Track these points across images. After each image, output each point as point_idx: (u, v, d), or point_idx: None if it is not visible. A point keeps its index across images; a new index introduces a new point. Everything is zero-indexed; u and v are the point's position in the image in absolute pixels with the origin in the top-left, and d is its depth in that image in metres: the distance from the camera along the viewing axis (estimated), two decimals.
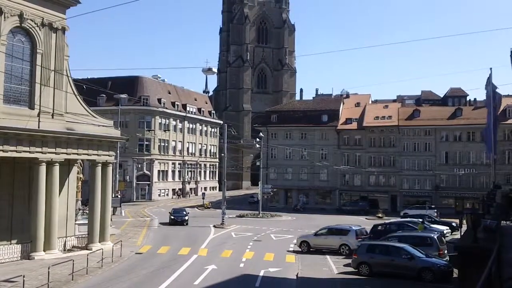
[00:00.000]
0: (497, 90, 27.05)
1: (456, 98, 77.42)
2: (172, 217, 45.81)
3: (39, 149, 26.43)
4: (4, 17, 25.36)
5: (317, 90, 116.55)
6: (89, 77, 66.88)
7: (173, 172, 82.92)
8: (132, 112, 74.51)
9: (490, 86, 26.43)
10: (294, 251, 31.28)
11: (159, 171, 78.65)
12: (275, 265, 25.97)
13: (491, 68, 25.97)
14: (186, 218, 46.16)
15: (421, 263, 22.26)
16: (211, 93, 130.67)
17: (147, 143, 76.06)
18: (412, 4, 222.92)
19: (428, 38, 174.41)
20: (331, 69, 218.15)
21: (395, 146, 66.96)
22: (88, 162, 32.97)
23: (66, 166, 29.59)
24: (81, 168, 36.02)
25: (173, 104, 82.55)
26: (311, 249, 31.05)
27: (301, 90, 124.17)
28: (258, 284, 21.83)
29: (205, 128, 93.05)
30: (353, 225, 33.75)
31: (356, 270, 23.85)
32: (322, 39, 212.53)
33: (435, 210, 55.16)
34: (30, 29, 26.83)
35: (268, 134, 72.96)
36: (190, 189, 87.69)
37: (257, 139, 63.50)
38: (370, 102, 78.27)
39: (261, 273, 23.77)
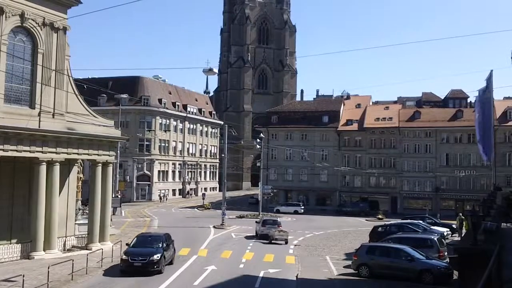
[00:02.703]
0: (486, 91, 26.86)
1: (457, 99, 77.40)
2: (125, 257, 23.05)
3: (39, 149, 26.43)
4: (6, 17, 25.37)
5: (317, 91, 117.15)
6: (90, 77, 66.97)
7: (174, 172, 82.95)
8: (132, 112, 74.55)
9: (491, 88, 26.34)
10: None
11: (159, 171, 78.66)
12: (275, 266, 25.95)
13: (491, 70, 25.89)
14: (157, 257, 23.09)
15: (421, 265, 22.23)
16: (211, 93, 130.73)
17: (147, 143, 76.09)
18: (413, 5, 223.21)
19: (429, 40, 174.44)
20: (332, 70, 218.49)
21: (395, 148, 66.97)
22: (89, 162, 32.95)
23: (67, 165, 29.59)
24: (82, 168, 35.97)
25: (173, 104, 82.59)
26: (257, 235, 38.12)
27: (302, 91, 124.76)
28: (258, 285, 21.78)
29: (205, 129, 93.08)
30: (268, 217, 44.52)
31: (356, 271, 23.82)
32: (323, 40, 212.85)
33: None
34: (31, 28, 26.84)
35: (269, 134, 72.99)
36: (190, 189, 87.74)
37: (258, 140, 63.54)
38: (370, 103, 78.36)
39: (261, 274, 23.74)
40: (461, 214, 39.36)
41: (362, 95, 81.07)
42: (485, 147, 29.06)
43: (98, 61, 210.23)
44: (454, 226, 41.02)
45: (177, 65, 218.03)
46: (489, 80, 26.10)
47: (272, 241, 34.93)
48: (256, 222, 41.65)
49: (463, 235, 35.40)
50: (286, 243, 35.16)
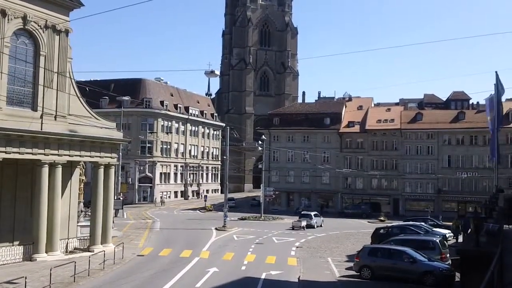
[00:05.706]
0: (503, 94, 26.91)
1: (458, 101, 77.37)
2: None
3: (41, 151, 26.49)
4: (8, 19, 25.47)
5: (319, 93, 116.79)
6: (92, 79, 67.36)
7: (175, 174, 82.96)
8: (134, 114, 74.63)
9: (496, 90, 26.36)
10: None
11: (161, 173, 78.66)
12: (277, 268, 25.95)
13: (496, 72, 25.90)
14: None
15: (423, 267, 22.22)
16: (213, 95, 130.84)
17: (149, 145, 76.14)
18: (414, 7, 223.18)
19: (431, 42, 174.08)
20: (334, 72, 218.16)
21: (397, 150, 66.90)
22: (91, 164, 33.00)
23: (69, 167, 29.64)
24: (84, 170, 36.06)
25: (175, 106, 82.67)
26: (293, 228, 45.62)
27: (304, 93, 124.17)
28: (260, 287, 21.82)
29: (207, 131, 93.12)
30: (305, 212, 51.44)
31: (358, 273, 23.83)
32: (324, 42, 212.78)
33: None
34: (33, 31, 26.93)
35: (271, 136, 72.98)
36: (193, 191, 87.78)
37: (260, 142, 63.58)
38: (372, 105, 78.27)
39: (263, 276, 23.75)
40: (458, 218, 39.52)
41: (363, 97, 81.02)
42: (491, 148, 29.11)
43: (100, 63, 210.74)
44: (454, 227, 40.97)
45: (178, 67, 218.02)
46: (497, 82, 26.12)
47: (294, 228, 45.25)
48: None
49: (459, 239, 35.50)
50: (304, 229, 44.77)
